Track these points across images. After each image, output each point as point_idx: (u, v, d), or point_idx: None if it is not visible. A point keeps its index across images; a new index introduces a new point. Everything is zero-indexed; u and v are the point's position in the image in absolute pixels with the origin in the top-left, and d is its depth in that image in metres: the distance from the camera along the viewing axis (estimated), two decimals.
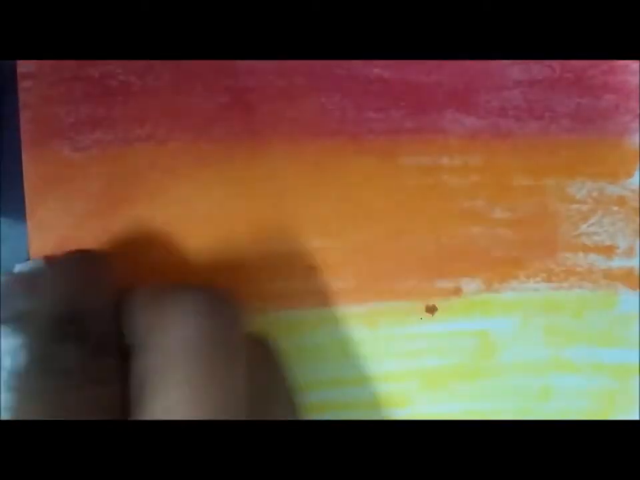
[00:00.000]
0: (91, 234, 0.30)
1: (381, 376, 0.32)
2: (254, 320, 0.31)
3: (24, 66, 0.30)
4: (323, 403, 0.31)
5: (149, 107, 0.31)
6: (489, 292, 0.33)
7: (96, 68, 0.31)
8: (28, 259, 0.30)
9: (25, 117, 0.30)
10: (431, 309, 0.33)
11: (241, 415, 0.25)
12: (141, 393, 0.25)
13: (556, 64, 0.35)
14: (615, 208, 0.34)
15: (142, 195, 0.31)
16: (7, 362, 0.26)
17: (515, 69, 0.34)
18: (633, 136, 0.35)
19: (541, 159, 0.34)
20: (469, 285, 0.33)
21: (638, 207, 0.34)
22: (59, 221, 0.30)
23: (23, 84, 0.30)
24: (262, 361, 0.30)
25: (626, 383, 0.34)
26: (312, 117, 0.32)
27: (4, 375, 0.25)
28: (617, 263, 0.34)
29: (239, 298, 0.28)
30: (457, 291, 0.33)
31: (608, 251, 0.34)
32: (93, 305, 0.26)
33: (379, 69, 0.33)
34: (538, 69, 0.35)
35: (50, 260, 0.28)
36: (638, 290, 0.34)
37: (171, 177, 0.31)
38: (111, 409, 0.26)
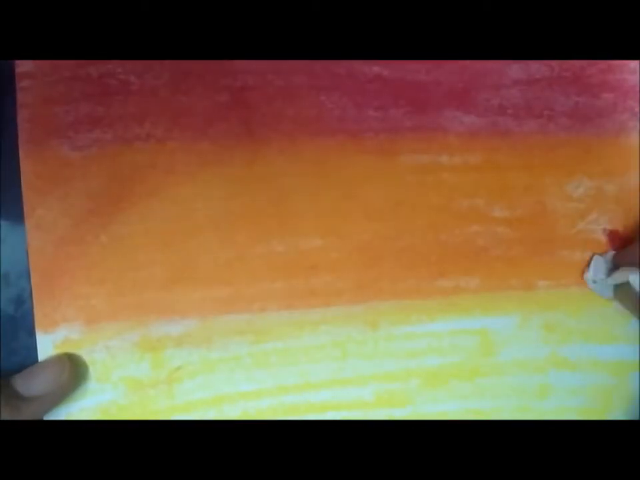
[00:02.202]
0: (90, 233, 0.30)
1: (382, 375, 0.32)
2: (254, 320, 0.31)
3: (22, 65, 0.30)
4: (323, 403, 0.31)
5: (148, 106, 0.31)
6: (488, 290, 0.33)
7: (95, 67, 0.31)
8: (26, 259, 0.30)
9: (23, 116, 0.30)
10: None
11: None
12: None
13: (554, 63, 0.35)
14: (613, 206, 0.35)
15: (141, 194, 0.31)
16: None
17: (513, 68, 0.35)
18: (630, 134, 0.35)
19: (540, 157, 0.34)
20: (468, 284, 0.33)
21: (638, 204, 0.34)
22: (57, 220, 0.30)
23: (22, 83, 0.30)
24: None
25: (623, 379, 0.34)
26: (311, 115, 0.32)
27: None
28: None
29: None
30: (456, 290, 0.33)
31: (605, 248, 0.34)
32: None
33: (378, 67, 0.33)
34: (536, 67, 0.35)
35: None
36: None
37: (170, 176, 0.31)
38: None
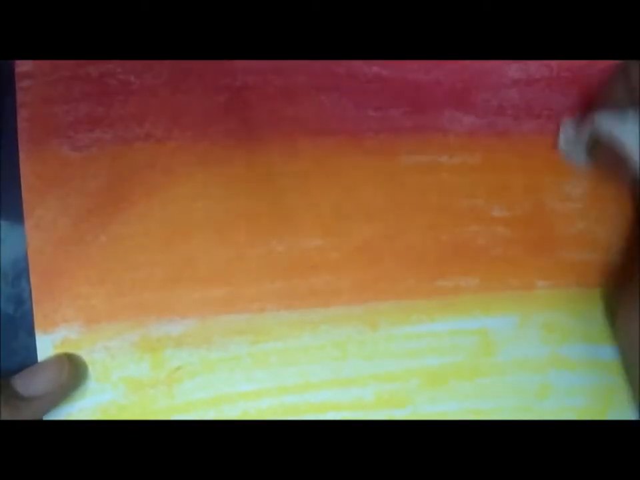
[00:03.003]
0: (89, 233, 0.30)
1: (382, 376, 0.32)
2: (254, 320, 0.31)
3: (22, 65, 0.30)
4: (323, 403, 0.31)
5: (148, 106, 0.31)
6: (488, 290, 0.33)
7: (95, 67, 0.31)
8: (26, 259, 0.30)
9: (23, 116, 0.30)
10: None
11: None
12: None
13: (554, 63, 0.35)
14: (612, 205, 0.35)
15: (141, 194, 0.31)
16: None
17: (513, 68, 0.35)
18: None
19: (539, 157, 0.34)
20: (468, 284, 0.33)
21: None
22: (57, 220, 0.30)
23: (21, 83, 0.30)
24: None
25: (623, 379, 0.34)
26: (311, 115, 0.32)
27: None
28: None
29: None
30: (456, 290, 0.33)
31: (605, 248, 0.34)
32: None
33: (378, 67, 0.33)
34: (536, 67, 0.35)
35: None
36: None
37: (169, 176, 0.31)
38: None
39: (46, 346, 0.30)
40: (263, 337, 0.31)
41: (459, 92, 0.34)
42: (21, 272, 0.30)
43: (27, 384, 0.28)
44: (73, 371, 0.29)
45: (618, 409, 0.34)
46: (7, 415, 0.27)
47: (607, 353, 0.34)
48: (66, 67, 0.30)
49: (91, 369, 0.30)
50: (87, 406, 0.30)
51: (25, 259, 0.30)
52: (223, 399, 0.31)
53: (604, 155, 0.32)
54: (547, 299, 0.34)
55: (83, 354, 0.30)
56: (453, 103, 0.34)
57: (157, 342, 0.30)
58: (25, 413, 0.28)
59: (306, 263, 0.32)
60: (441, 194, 0.33)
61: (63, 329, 0.30)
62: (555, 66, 0.35)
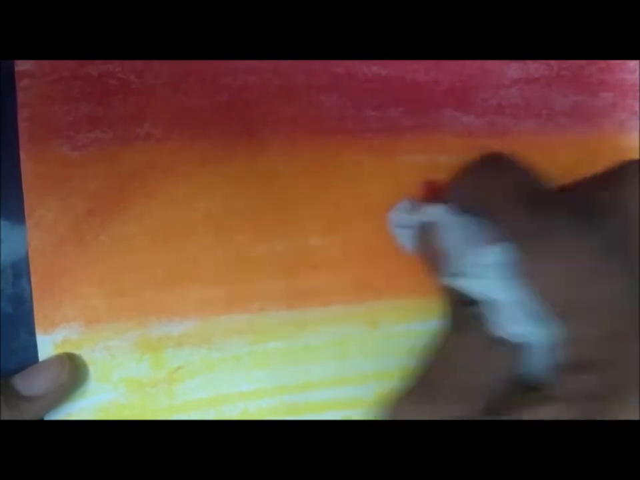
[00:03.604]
0: (89, 233, 0.30)
1: (382, 374, 0.32)
2: (254, 320, 0.31)
3: (22, 65, 0.30)
4: (324, 402, 0.31)
5: (148, 105, 0.31)
6: None
7: (95, 67, 0.31)
8: (27, 259, 0.30)
9: (23, 115, 0.30)
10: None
11: None
12: None
13: (553, 62, 0.35)
14: None
15: (141, 194, 0.31)
16: None
17: (512, 67, 0.35)
18: (630, 133, 0.35)
19: (538, 157, 0.34)
20: None
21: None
22: (57, 220, 0.30)
23: (22, 83, 0.30)
24: None
25: None
26: (310, 115, 0.32)
27: None
28: None
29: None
30: None
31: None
32: None
33: (377, 67, 0.33)
34: (535, 67, 0.35)
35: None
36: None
37: (169, 176, 0.31)
38: None
39: (46, 346, 0.30)
40: (263, 336, 0.31)
41: (458, 91, 0.34)
42: (21, 272, 0.30)
43: (28, 383, 0.28)
44: (73, 371, 0.29)
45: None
46: (7, 415, 0.27)
47: None
48: (66, 66, 0.30)
49: (91, 368, 0.30)
50: (87, 406, 0.30)
51: (26, 258, 0.30)
52: (222, 398, 0.31)
53: (426, 247, 0.30)
54: None
55: (84, 354, 0.30)
56: (452, 102, 0.34)
57: (157, 342, 0.30)
58: (26, 413, 0.28)
59: (306, 263, 0.32)
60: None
61: (64, 328, 0.30)
62: (554, 65, 0.35)
